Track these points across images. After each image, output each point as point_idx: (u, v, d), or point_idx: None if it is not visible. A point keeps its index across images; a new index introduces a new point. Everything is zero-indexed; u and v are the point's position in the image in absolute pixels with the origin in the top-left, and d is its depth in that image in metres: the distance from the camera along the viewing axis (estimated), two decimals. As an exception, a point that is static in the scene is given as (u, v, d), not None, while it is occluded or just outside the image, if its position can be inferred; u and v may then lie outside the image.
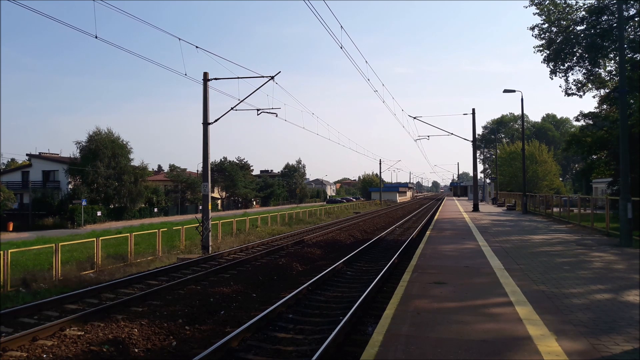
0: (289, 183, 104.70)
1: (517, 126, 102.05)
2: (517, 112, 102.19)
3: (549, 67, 24.88)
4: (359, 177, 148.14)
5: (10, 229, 42.61)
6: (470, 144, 37.12)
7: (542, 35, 24.58)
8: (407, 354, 5.06)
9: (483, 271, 9.92)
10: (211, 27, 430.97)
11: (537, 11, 24.20)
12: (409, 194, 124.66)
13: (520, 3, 69.80)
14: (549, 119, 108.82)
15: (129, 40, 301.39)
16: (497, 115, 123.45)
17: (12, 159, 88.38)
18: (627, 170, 13.83)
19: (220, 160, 78.62)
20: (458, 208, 40.90)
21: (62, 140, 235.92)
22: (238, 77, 19.70)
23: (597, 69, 24.43)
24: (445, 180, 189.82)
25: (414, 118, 34.16)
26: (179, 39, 15.65)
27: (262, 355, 6.99)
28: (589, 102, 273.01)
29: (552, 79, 28.05)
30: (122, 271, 15.71)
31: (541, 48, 24.85)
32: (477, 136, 47.46)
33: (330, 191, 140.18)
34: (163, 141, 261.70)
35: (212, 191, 68.01)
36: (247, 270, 14.20)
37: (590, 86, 25.31)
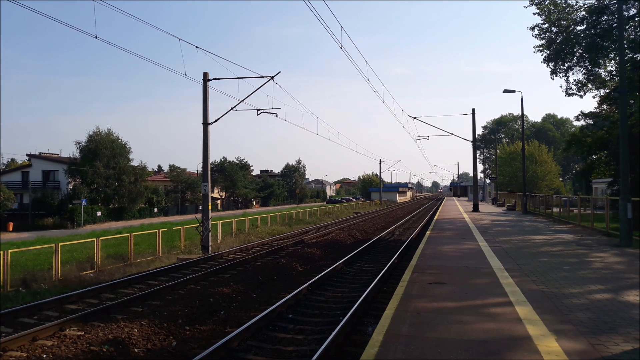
0: (289, 183, 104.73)
1: (517, 126, 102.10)
2: (517, 112, 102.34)
3: (549, 67, 24.90)
4: (359, 177, 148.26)
5: (10, 229, 42.59)
6: (470, 144, 37.13)
7: (542, 35, 24.60)
8: (407, 354, 5.06)
9: (483, 271, 9.92)
10: (211, 27, 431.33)
11: (537, 11, 24.21)
12: (408, 194, 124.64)
13: (520, 3, 69.92)
14: (549, 119, 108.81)
15: (129, 40, 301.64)
16: (497, 116, 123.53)
17: (12, 159, 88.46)
18: (627, 170, 13.83)
19: (220, 160, 78.66)
20: (458, 208, 40.90)
21: (62, 140, 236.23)
22: (238, 77, 19.72)
23: (597, 69, 24.43)
24: (445, 180, 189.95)
25: (414, 118, 34.19)
26: (179, 39, 15.67)
27: (262, 355, 6.99)
28: (589, 102, 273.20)
29: (552, 79, 28.12)
30: (122, 271, 15.71)
31: (541, 48, 24.86)
32: (477, 136, 47.49)
33: (330, 191, 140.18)
34: (163, 141, 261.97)
35: (212, 191, 68.00)
36: (247, 271, 14.21)
37: (591, 86, 25.31)
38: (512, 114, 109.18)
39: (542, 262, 10.92)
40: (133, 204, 52.04)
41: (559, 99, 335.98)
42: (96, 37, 13.15)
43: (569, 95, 25.46)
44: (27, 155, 58.93)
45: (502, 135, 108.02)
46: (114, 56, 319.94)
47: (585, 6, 22.87)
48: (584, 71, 24.53)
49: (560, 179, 76.86)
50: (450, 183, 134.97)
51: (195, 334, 8.02)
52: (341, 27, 16.15)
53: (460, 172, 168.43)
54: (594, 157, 28.53)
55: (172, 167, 77.61)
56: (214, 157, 78.55)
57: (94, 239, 16.80)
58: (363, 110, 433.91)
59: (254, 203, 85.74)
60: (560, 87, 72.17)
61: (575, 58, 24.18)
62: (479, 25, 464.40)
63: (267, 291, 11.39)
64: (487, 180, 69.19)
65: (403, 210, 56.22)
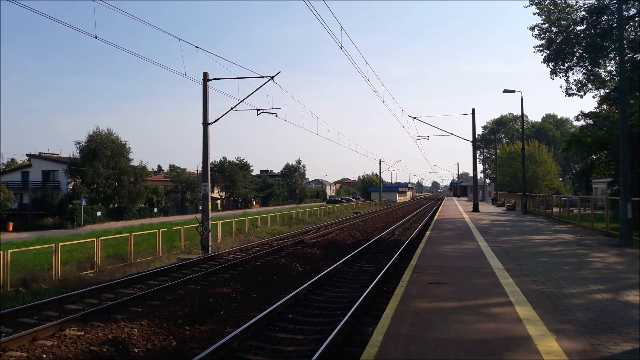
0: (289, 183, 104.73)
1: (517, 126, 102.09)
2: (517, 112, 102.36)
3: (549, 67, 24.92)
4: (359, 177, 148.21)
5: (10, 229, 42.59)
6: (470, 144, 37.12)
7: (542, 35, 24.60)
8: (407, 354, 5.06)
9: (483, 271, 9.92)
10: (211, 27, 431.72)
11: (537, 11, 24.22)
12: (408, 194, 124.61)
13: (520, 3, 69.95)
14: (549, 119, 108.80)
15: (129, 40, 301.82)
16: (497, 116, 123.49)
17: (12, 159, 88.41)
18: (627, 170, 13.83)
19: (220, 160, 78.65)
20: (458, 208, 40.90)
21: (62, 140, 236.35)
22: (238, 77, 19.70)
23: (597, 69, 24.43)
24: (445, 180, 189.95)
25: (414, 118, 34.18)
26: (179, 39, 15.66)
27: (262, 355, 6.99)
28: (589, 102, 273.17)
29: (552, 79, 28.13)
30: (122, 271, 15.71)
31: (541, 48, 24.87)
32: (477, 136, 47.50)
33: (330, 191, 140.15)
34: (163, 141, 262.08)
35: (212, 191, 67.98)
36: (247, 271, 14.20)
37: (591, 86, 25.31)
38: (512, 114, 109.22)
39: (542, 262, 10.92)
40: (133, 204, 52.04)
41: (559, 99, 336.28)
42: (96, 37, 13.16)
43: (569, 95, 25.48)
44: (27, 155, 58.98)
45: (502, 135, 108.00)
46: (114, 56, 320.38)
47: (585, 6, 22.89)
48: (584, 71, 24.55)
49: (560, 179, 76.87)
50: (450, 183, 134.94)
51: (195, 334, 8.02)
52: (341, 27, 16.16)
53: (460, 172, 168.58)
54: (594, 157, 28.54)
55: (172, 167, 77.75)
56: (214, 157, 78.66)
57: (94, 239, 16.79)
58: (363, 110, 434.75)
59: (254, 203, 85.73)
60: (560, 87, 72.31)
61: (575, 58, 24.19)
62: (479, 25, 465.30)
63: (267, 291, 11.39)
64: (487, 180, 69.20)
65: (403, 210, 56.22)
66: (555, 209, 28.23)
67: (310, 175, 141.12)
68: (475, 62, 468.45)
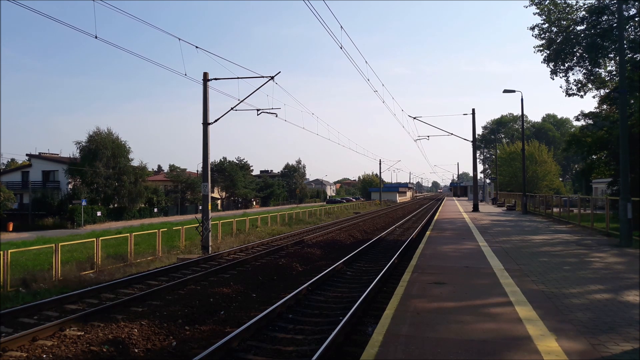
0: (289, 183, 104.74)
1: (517, 126, 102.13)
2: (517, 112, 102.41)
3: (549, 67, 24.94)
4: (359, 177, 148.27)
5: (10, 229, 42.58)
6: (470, 144, 37.13)
7: (542, 35, 24.62)
8: (407, 354, 5.06)
9: (483, 271, 9.92)
10: (211, 27, 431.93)
11: (537, 11, 24.24)
12: (408, 194, 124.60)
13: (520, 3, 69.94)
14: (549, 119, 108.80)
15: (129, 40, 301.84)
16: (497, 116, 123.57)
17: (12, 159, 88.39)
18: (627, 170, 13.83)
19: (220, 160, 78.63)
20: (458, 208, 40.89)
21: (62, 140, 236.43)
22: (238, 77, 19.70)
23: (597, 69, 24.45)
24: (445, 180, 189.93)
25: (414, 118, 34.18)
26: (179, 39, 15.66)
27: (262, 356, 6.99)
28: (589, 102, 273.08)
29: (552, 79, 28.16)
30: (122, 271, 15.71)
31: (541, 48, 24.89)
32: (477, 136, 47.51)
33: (330, 191, 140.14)
34: (163, 141, 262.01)
35: (212, 191, 67.95)
36: (247, 271, 14.20)
37: (591, 86, 25.31)
38: (512, 114, 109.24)
39: (542, 262, 10.92)
40: (133, 204, 52.03)
41: (559, 99, 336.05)
42: (96, 37, 13.15)
43: (569, 95, 25.51)
44: (27, 155, 58.96)
45: (502, 135, 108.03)
46: (114, 56, 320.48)
47: (585, 6, 22.91)
48: (584, 71, 24.57)
49: (560, 179, 76.81)
50: (450, 183, 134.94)
51: (195, 334, 8.02)
52: (341, 27, 16.15)
53: (460, 172, 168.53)
54: (594, 157, 28.51)
55: (172, 167, 77.71)
56: (214, 157, 78.60)
57: (94, 239, 16.79)
58: (363, 110, 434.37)
59: (254, 203, 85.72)
60: (561, 87, 72.42)
61: (575, 58, 24.21)
62: (478, 25, 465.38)
63: (267, 291, 11.39)
64: (487, 181, 69.20)
65: (403, 210, 56.22)
66: (555, 209, 28.24)
67: (310, 175, 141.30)
68: (475, 62, 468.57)
